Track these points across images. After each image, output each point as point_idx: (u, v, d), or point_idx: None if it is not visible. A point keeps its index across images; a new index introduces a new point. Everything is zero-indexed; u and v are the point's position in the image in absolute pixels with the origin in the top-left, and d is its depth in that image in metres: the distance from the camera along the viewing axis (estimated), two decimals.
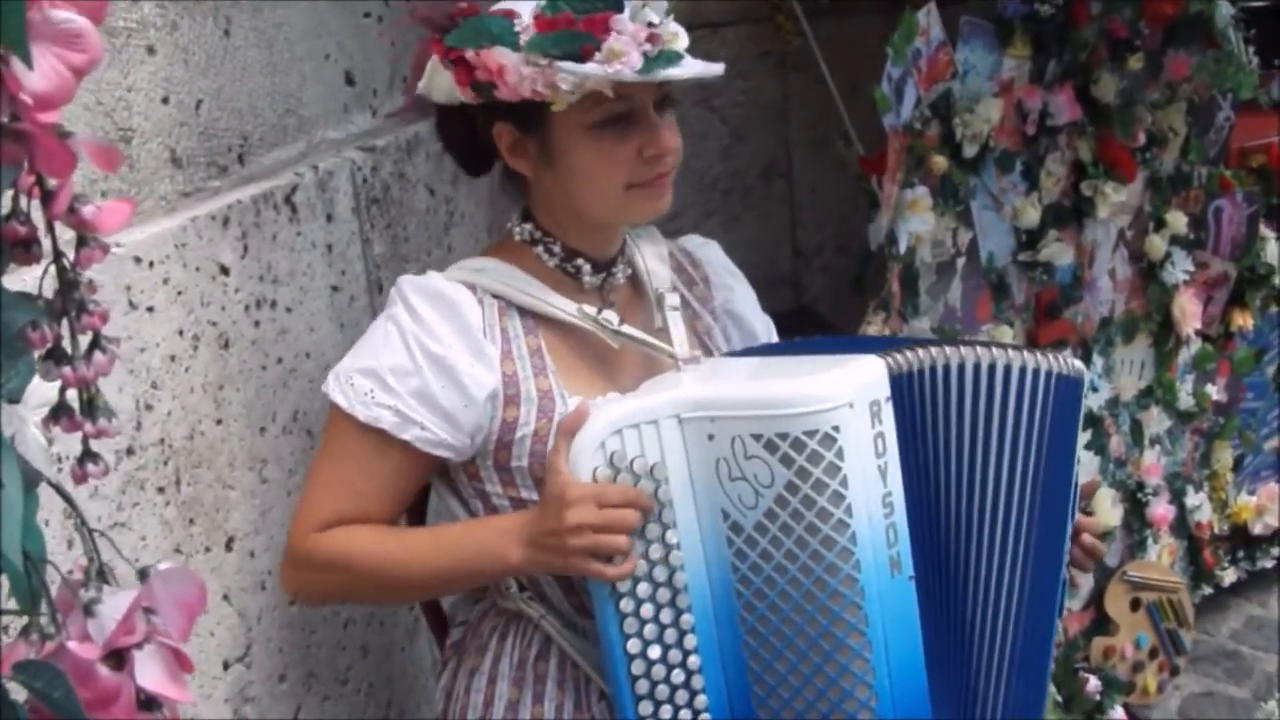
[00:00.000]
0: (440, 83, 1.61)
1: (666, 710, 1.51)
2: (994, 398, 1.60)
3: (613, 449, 1.47)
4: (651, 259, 1.78)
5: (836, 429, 1.43)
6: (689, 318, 1.79)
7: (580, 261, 1.68)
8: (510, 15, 1.55)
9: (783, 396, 1.46)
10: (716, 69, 1.59)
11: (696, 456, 1.49)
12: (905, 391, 1.53)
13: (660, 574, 1.50)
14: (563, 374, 1.63)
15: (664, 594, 1.50)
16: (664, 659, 1.51)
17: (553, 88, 1.50)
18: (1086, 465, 3.09)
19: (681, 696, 1.52)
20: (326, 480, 1.62)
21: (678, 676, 1.51)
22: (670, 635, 1.50)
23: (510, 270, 1.67)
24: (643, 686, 1.50)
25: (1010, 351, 1.62)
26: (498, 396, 1.59)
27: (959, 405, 1.58)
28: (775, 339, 1.93)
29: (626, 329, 1.65)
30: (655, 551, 1.49)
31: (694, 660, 1.51)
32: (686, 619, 1.51)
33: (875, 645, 1.47)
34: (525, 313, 1.65)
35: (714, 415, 1.47)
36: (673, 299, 1.75)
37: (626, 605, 1.49)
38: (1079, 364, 1.69)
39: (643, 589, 1.49)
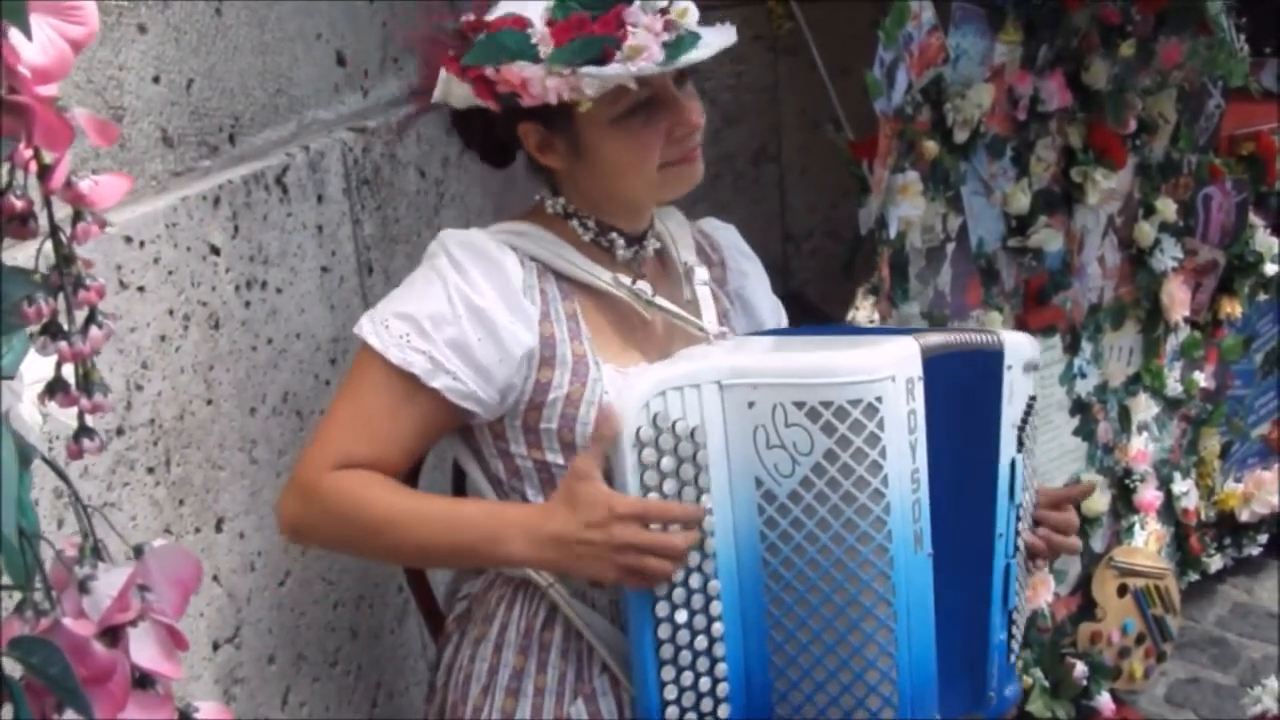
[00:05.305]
0: (457, 91, 1.61)
1: (687, 677, 1.52)
2: (989, 381, 1.65)
3: (656, 409, 1.48)
4: (679, 232, 1.81)
5: (880, 400, 1.48)
6: (712, 295, 1.82)
7: (614, 235, 1.71)
8: (521, 24, 1.54)
9: (829, 366, 1.50)
10: (729, 35, 1.61)
11: (734, 423, 1.50)
12: (933, 372, 1.56)
13: None
14: (596, 341, 1.65)
15: (693, 558, 1.51)
16: (689, 624, 1.52)
17: (578, 91, 1.51)
18: (1074, 451, 3.10)
19: (703, 664, 1.53)
20: (346, 417, 1.61)
21: (701, 643, 1.53)
22: (697, 601, 1.52)
23: (548, 236, 1.68)
24: (667, 651, 1.51)
25: (989, 334, 1.70)
26: (534, 356, 1.60)
27: (967, 389, 1.62)
28: (785, 323, 1.95)
29: (661, 300, 1.69)
30: None
31: (718, 627, 1.53)
32: (714, 585, 1.52)
33: (900, 616, 1.50)
34: (562, 278, 1.67)
35: (756, 383, 1.50)
36: (701, 273, 1.79)
37: None
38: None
39: None
